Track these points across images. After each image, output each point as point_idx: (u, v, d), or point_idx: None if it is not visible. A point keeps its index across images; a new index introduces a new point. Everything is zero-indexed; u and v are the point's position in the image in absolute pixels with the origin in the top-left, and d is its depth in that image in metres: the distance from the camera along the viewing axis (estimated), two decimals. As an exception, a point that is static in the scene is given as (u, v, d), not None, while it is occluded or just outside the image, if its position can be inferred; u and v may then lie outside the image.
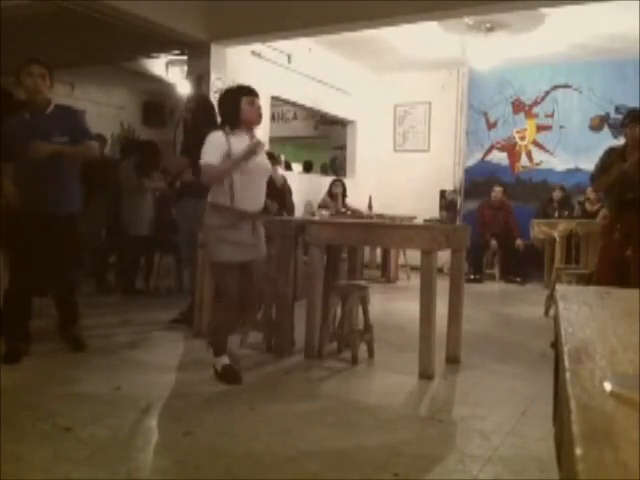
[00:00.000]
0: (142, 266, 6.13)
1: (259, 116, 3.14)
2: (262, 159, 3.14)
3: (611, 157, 3.92)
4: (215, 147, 3.00)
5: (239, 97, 3.07)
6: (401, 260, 7.68)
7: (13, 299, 3.48)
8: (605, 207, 4.26)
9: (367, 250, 7.81)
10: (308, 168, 10.71)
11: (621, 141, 4.24)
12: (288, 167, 9.99)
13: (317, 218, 4.85)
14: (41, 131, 3.37)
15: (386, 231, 3.70)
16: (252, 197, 3.07)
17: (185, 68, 6.72)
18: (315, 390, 3.10)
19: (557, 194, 7.66)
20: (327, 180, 8.24)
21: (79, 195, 3.63)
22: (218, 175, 3.00)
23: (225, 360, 3.13)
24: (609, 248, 3.94)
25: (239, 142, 3.02)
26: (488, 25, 6.68)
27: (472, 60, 7.78)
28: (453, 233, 3.69)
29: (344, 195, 7.78)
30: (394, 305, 5.92)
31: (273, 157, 6.08)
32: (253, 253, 3.10)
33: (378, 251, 8.11)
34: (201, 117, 4.51)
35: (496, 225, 7.88)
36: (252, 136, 3.13)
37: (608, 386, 0.64)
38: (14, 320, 3.49)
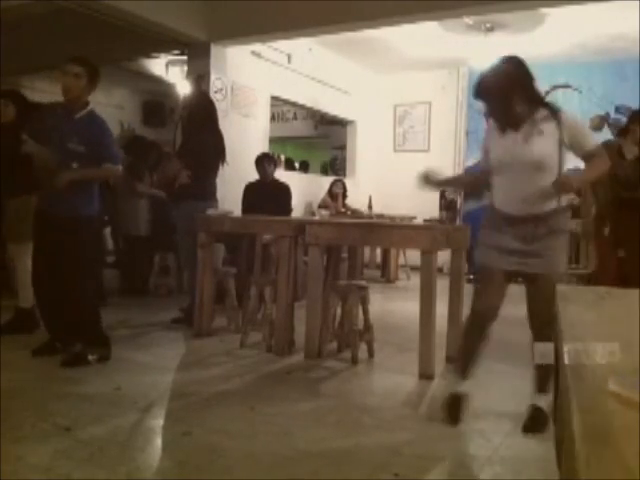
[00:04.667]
0: (142, 266, 6.13)
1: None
2: (525, 150, 2.43)
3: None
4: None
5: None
6: (401, 260, 7.67)
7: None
8: (594, 204, 4.18)
9: (367, 250, 7.81)
10: (304, 168, 10.71)
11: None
12: (291, 167, 10.00)
13: (317, 218, 4.85)
14: (60, 135, 3.30)
15: (386, 231, 3.70)
16: (512, 198, 2.48)
17: (185, 68, 6.72)
18: (315, 390, 3.09)
19: None
20: (327, 180, 8.24)
21: (91, 199, 3.42)
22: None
23: (450, 385, 2.67)
24: (602, 247, 3.90)
25: (495, 136, 2.51)
26: (488, 25, 6.68)
27: (472, 60, 7.78)
28: (453, 233, 3.69)
29: (344, 195, 7.78)
30: (394, 305, 5.92)
31: (271, 157, 6.08)
32: (521, 264, 2.49)
33: (378, 251, 8.11)
34: (199, 116, 4.43)
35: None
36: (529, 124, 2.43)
37: (608, 386, 0.63)
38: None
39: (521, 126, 2.43)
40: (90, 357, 3.39)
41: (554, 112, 2.43)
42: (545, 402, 2.46)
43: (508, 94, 2.41)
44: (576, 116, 2.64)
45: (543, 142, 2.41)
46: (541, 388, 2.50)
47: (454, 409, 2.57)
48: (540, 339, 2.30)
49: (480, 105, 2.67)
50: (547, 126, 2.41)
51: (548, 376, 2.33)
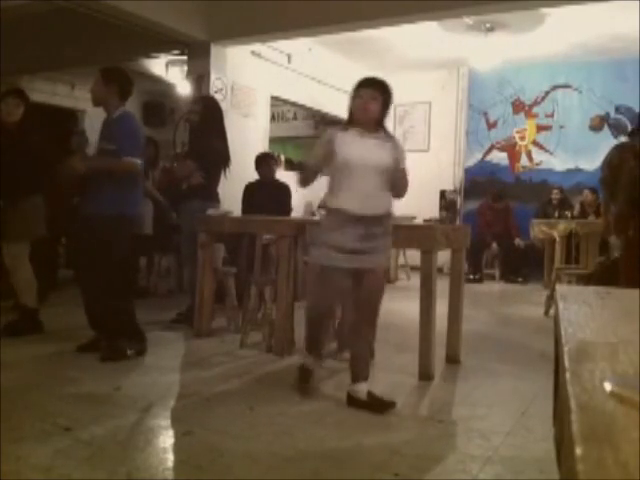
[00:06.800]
0: (143, 266, 6.12)
1: (363, 110, 2.84)
2: (372, 154, 2.81)
3: (622, 155, 3.73)
4: (318, 145, 2.88)
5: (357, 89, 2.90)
6: (401, 260, 7.67)
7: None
8: (617, 203, 3.99)
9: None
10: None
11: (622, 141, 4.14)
12: (291, 167, 9.96)
13: (317, 218, 4.84)
14: (99, 137, 3.60)
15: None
16: (358, 197, 2.79)
17: (185, 68, 6.72)
18: (315, 390, 3.09)
19: (555, 195, 7.66)
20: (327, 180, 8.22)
21: (119, 199, 3.49)
22: (301, 180, 3.02)
23: (302, 360, 3.09)
24: (627, 247, 3.71)
25: (349, 140, 2.79)
26: (488, 25, 6.68)
27: (472, 60, 7.78)
28: (453, 233, 3.69)
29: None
30: (394, 305, 5.91)
31: (272, 157, 6.08)
32: (359, 262, 2.76)
33: (378, 251, 8.10)
34: (209, 120, 4.53)
35: (497, 225, 7.89)
36: (376, 137, 2.86)
37: (608, 386, 0.63)
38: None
39: (376, 135, 2.85)
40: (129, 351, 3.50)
41: (390, 136, 2.98)
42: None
43: (388, 104, 3.01)
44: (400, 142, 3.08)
45: (387, 153, 2.83)
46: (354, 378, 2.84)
47: (304, 376, 3.02)
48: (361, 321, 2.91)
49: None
50: (388, 143, 2.88)
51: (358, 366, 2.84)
